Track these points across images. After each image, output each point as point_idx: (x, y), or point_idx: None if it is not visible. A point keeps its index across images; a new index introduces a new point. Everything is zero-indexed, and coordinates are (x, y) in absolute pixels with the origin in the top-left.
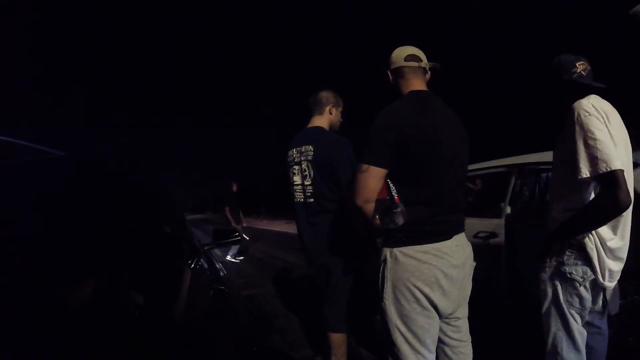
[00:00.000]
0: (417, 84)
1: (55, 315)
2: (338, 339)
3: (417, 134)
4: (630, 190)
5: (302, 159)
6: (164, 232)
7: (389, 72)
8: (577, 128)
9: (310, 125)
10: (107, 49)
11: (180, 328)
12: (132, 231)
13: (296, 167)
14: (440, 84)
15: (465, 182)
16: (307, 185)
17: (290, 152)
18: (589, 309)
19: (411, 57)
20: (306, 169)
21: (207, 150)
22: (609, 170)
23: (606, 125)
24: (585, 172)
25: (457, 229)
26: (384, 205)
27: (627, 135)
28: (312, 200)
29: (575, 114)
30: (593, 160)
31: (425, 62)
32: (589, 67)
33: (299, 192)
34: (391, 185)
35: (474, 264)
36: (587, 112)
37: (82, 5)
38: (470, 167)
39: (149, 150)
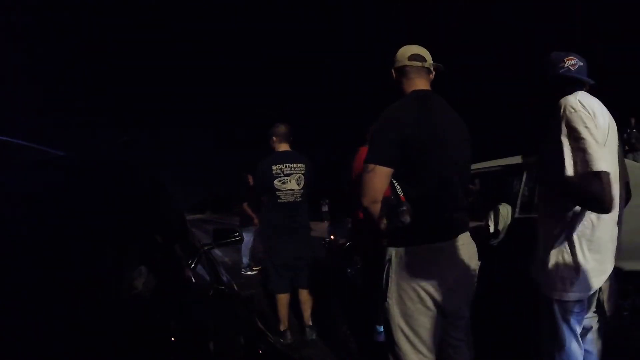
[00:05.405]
0: (420, 83)
1: (54, 316)
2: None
3: (418, 134)
4: (615, 194)
5: (297, 171)
6: (163, 232)
7: (392, 71)
8: (563, 125)
9: (284, 149)
10: (108, 48)
11: (180, 328)
12: (132, 231)
13: (286, 178)
14: (442, 82)
15: (469, 181)
16: (299, 190)
17: (274, 167)
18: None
19: (415, 57)
20: (298, 179)
21: (207, 150)
22: (593, 170)
23: (593, 123)
24: (569, 170)
25: (462, 228)
26: (390, 204)
27: (615, 133)
28: (300, 199)
29: (562, 110)
30: (578, 159)
31: (429, 62)
32: (579, 63)
33: (289, 194)
34: (396, 184)
35: (479, 263)
36: (573, 108)
37: (83, 6)
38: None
39: (149, 150)
